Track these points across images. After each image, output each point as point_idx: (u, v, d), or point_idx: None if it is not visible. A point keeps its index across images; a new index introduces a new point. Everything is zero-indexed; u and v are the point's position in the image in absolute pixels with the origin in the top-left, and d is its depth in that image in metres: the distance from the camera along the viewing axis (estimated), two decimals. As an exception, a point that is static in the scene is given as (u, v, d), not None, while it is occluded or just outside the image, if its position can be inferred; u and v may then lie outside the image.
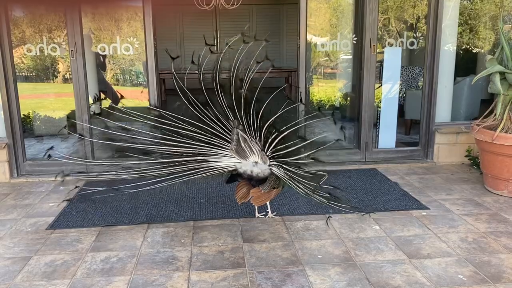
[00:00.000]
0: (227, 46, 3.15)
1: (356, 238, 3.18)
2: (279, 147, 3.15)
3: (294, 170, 3.18)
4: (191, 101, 3.24)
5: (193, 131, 3.24)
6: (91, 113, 3.79)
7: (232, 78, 3.18)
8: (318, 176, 3.20)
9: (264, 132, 3.15)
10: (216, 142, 3.23)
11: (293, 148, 3.14)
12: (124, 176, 3.25)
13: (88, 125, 3.51)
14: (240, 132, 3.14)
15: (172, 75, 3.27)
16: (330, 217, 3.48)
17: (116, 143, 3.26)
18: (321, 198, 3.30)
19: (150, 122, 3.30)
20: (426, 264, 2.80)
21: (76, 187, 3.71)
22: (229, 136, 3.21)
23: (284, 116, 3.14)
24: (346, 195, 3.86)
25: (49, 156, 3.27)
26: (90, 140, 3.48)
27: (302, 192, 3.24)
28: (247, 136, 3.15)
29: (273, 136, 3.13)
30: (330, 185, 3.38)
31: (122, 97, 3.37)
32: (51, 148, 3.33)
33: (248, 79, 3.16)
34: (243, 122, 3.16)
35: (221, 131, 3.23)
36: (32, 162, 4.70)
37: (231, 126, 3.20)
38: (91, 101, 4.37)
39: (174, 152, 3.26)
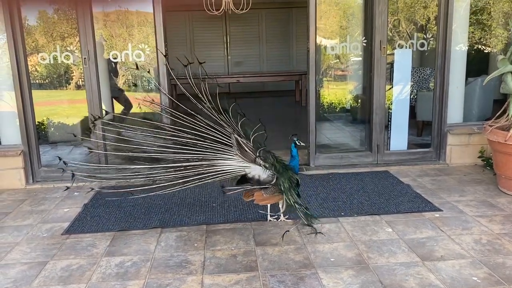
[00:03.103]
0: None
1: (369, 241, 3.17)
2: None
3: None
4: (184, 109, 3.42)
5: (192, 138, 3.34)
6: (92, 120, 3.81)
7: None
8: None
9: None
10: (218, 147, 3.32)
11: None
12: (134, 180, 3.31)
13: (100, 140, 3.58)
14: (238, 138, 3.28)
15: (184, 80, 3.40)
16: (288, 231, 3.35)
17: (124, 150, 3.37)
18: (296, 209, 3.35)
19: (154, 123, 3.47)
20: (439, 266, 2.79)
21: (92, 189, 3.72)
22: (230, 141, 3.33)
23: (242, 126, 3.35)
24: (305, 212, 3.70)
25: (65, 163, 3.35)
26: (103, 141, 3.56)
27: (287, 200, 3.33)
28: (245, 140, 3.29)
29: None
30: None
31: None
32: (66, 163, 3.37)
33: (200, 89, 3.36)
34: (235, 129, 3.32)
35: (219, 136, 3.33)
36: (47, 169, 4.77)
37: (228, 132, 3.33)
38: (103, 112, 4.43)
39: (179, 158, 3.34)
